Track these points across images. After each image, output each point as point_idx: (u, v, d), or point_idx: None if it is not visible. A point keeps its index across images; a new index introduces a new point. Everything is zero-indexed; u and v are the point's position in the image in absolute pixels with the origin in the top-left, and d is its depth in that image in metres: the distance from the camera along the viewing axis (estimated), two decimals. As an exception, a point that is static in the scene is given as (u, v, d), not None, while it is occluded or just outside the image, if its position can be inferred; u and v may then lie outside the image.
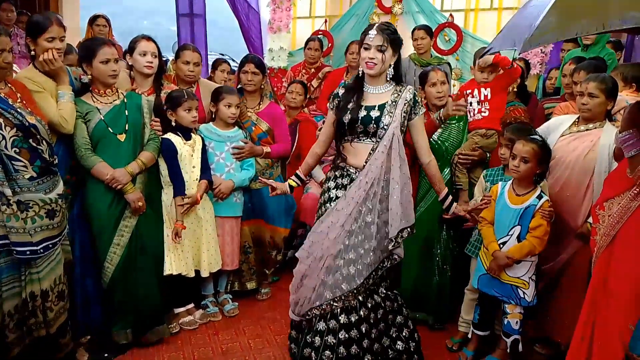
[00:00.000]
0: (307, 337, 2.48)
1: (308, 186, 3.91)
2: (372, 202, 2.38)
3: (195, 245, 3.03)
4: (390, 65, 2.43)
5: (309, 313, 2.45)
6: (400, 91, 2.46)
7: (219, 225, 3.19)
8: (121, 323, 2.75)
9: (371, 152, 2.41)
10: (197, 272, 3.07)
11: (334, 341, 2.41)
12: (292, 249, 4.04)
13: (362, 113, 2.43)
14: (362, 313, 2.41)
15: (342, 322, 2.40)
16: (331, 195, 2.51)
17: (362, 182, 2.39)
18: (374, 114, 2.42)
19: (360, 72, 2.50)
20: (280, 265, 3.70)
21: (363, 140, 2.46)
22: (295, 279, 2.54)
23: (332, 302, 2.40)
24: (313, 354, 2.44)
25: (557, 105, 3.36)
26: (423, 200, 3.11)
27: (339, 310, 2.41)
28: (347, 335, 2.39)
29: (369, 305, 2.43)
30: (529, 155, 2.51)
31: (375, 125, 2.41)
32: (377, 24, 2.42)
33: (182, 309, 3.12)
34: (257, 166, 3.34)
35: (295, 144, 3.87)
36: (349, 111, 2.45)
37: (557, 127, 2.83)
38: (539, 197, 2.55)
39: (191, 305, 3.17)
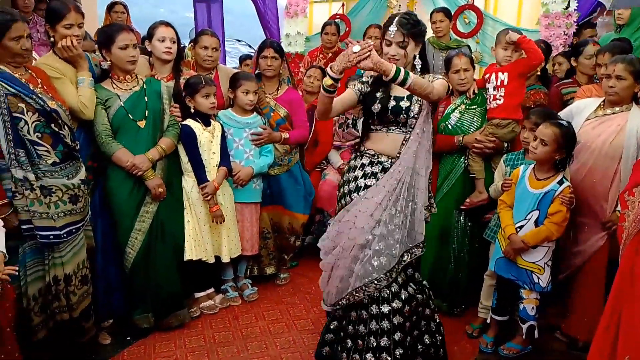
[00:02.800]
0: (340, 325, 2.47)
1: (325, 172, 3.90)
2: (402, 191, 2.34)
3: (216, 232, 3.05)
4: (415, 57, 2.38)
5: (339, 302, 2.41)
6: (428, 80, 2.36)
7: (239, 211, 3.20)
8: (142, 307, 2.79)
9: (404, 142, 2.37)
10: (217, 257, 3.09)
11: (364, 331, 2.37)
12: (310, 235, 4.06)
13: (392, 103, 2.39)
14: (394, 305, 2.35)
15: (373, 312, 2.35)
16: (359, 184, 2.42)
17: (395, 171, 2.35)
18: (404, 104, 2.38)
19: None
20: (298, 251, 3.72)
21: (393, 130, 2.41)
22: (325, 272, 2.48)
23: (362, 291, 2.34)
24: (349, 340, 2.41)
25: (578, 89, 3.27)
26: (440, 189, 3.08)
27: (368, 300, 2.35)
28: (378, 327, 2.35)
29: (403, 297, 2.37)
30: (548, 138, 2.46)
31: (405, 115, 2.37)
32: (396, 19, 2.32)
33: (202, 294, 3.15)
34: (275, 152, 3.33)
35: (312, 129, 3.85)
36: (378, 100, 2.40)
37: (581, 111, 2.76)
38: (560, 182, 2.51)
39: (211, 290, 3.20)
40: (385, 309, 2.33)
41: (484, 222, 3.03)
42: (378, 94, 2.42)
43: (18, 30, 2.19)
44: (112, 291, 2.77)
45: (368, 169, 2.44)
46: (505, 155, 2.95)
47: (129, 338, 2.78)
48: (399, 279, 2.37)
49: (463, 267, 3.08)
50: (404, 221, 2.34)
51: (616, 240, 2.22)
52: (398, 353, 2.32)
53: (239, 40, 9.62)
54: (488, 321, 2.81)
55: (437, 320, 2.53)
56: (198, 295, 3.14)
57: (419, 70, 2.41)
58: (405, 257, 2.36)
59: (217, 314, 3.08)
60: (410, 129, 2.37)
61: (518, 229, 2.56)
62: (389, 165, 2.39)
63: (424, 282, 2.55)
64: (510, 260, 2.59)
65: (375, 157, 2.44)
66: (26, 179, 2.19)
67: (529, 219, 2.54)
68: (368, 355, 2.33)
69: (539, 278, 2.54)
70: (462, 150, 3.04)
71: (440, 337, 2.52)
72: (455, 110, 3.09)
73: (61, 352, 2.46)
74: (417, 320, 2.45)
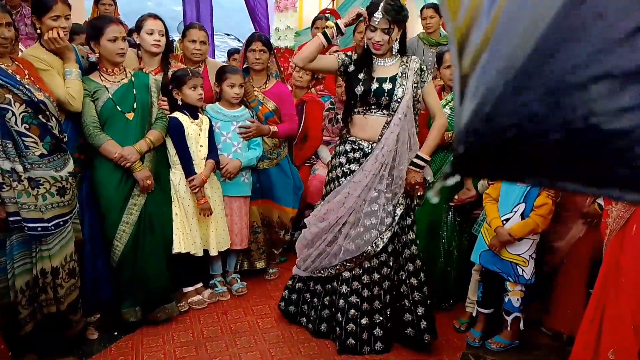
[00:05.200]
0: (315, 298, 2.73)
1: (315, 167, 3.90)
2: (385, 172, 2.50)
3: (204, 225, 3.04)
4: (396, 40, 2.45)
5: (322, 271, 2.63)
6: (407, 62, 2.52)
7: (227, 204, 3.20)
8: (130, 300, 2.77)
9: (385, 125, 2.47)
10: (206, 252, 3.08)
11: (358, 300, 2.56)
12: (299, 230, 4.05)
13: (375, 85, 2.47)
14: (384, 272, 2.59)
15: (365, 281, 2.57)
16: (345, 170, 2.58)
17: (378, 155, 2.48)
18: (386, 86, 2.47)
19: (366, 45, 2.52)
20: (287, 246, 3.71)
21: (374, 112, 2.51)
22: (304, 238, 2.70)
23: (352, 261, 2.57)
24: (338, 315, 2.62)
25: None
26: (430, 184, 3.09)
27: (360, 271, 2.58)
28: (369, 293, 2.57)
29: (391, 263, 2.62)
30: None
31: (387, 98, 2.46)
32: (381, 5, 2.37)
33: (190, 289, 3.14)
34: (264, 146, 3.32)
35: (301, 124, 3.84)
36: (360, 82, 2.47)
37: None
38: None
39: (200, 285, 3.19)
40: (375, 277, 2.60)
41: (473, 217, 3.05)
42: (361, 75, 2.48)
43: None
44: (99, 284, 2.75)
45: (351, 155, 2.59)
46: None
47: (116, 333, 2.76)
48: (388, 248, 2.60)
49: (452, 262, 3.11)
50: (387, 200, 2.53)
51: (599, 238, 2.26)
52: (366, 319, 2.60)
53: (227, 34, 9.54)
54: (474, 314, 2.84)
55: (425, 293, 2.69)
56: (186, 290, 3.13)
57: (396, 52, 2.51)
58: (397, 210, 2.57)
59: (205, 309, 3.07)
60: (392, 112, 2.46)
61: (504, 222, 2.59)
62: (369, 151, 2.53)
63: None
64: (494, 252, 2.62)
65: (357, 143, 2.58)
66: (14, 170, 2.17)
67: (516, 212, 2.57)
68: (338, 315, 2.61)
69: (523, 270, 2.57)
70: (452, 147, 3.06)
71: (424, 309, 2.65)
72: (447, 106, 3.10)
73: (48, 346, 2.44)
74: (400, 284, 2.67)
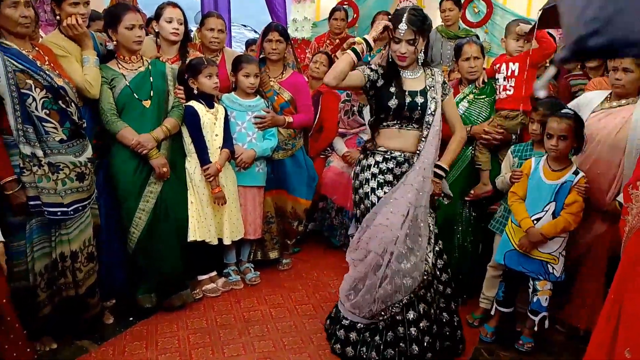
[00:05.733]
0: (374, 339, 2.43)
1: (330, 159, 3.89)
2: (426, 188, 2.39)
3: (218, 214, 3.05)
4: (420, 51, 2.42)
5: (382, 314, 2.38)
6: (432, 75, 2.48)
7: (242, 194, 3.21)
8: (145, 286, 2.81)
9: (423, 139, 2.42)
10: (220, 241, 3.10)
11: (416, 333, 2.39)
12: (313, 222, 4.06)
13: (408, 99, 2.42)
14: (421, 309, 2.39)
15: (410, 318, 2.37)
16: (379, 181, 2.43)
17: (420, 168, 2.39)
18: (419, 99, 2.43)
19: (390, 57, 2.46)
20: (301, 237, 3.72)
21: (406, 126, 2.46)
22: (348, 282, 2.48)
23: (405, 299, 2.36)
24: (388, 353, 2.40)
25: (588, 82, 3.25)
26: (446, 177, 3.07)
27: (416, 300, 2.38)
28: (427, 324, 2.41)
29: (429, 299, 2.44)
30: (566, 132, 2.45)
31: (421, 111, 2.41)
32: (405, 16, 2.32)
33: (205, 277, 3.17)
34: (279, 137, 3.32)
35: (317, 116, 3.84)
36: (394, 96, 2.41)
37: (588, 103, 2.75)
38: (575, 172, 2.50)
39: (214, 273, 3.22)
40: (411, 315, 2.38)
41: (489, 212, 3.02)
42: (392, 89, 2.42)
43: None
44: (115, 270, 2.79)
45: (383, 166, 2.46)
46: (512, 146, 2.93)
47: (131, 318, 2.80)
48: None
49: (466, 258, 3.08)
50: (425, 217, 2.40)
51: (618, 234, 2.22)
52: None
53: (244, 26, 9.54)
54: (492, 312, 2.81)
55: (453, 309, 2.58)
56: (201, 278, 3.15)
57: (421, 63, 2.46)
58: (431, 224, 2.46)
59: (219, 297, 3.10)
60: (428, 126, 2.41)
61: (534, 221, 2.53)
62: (403, 160, 2.44)
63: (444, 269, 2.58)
64: (521, 252, 2.58)
65: (388, 153, 2.47)
66: (34, 155, 2.20)
67: (547, 211, 2.52)
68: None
69: (553, 268, 2.53)
70: (469, 141, 3.02)
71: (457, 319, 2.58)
72: (464, 100, 3.07)
73: (65, 329, 2.49)
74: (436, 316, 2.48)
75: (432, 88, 2.45)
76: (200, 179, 2.94)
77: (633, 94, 2.57)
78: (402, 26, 2.31)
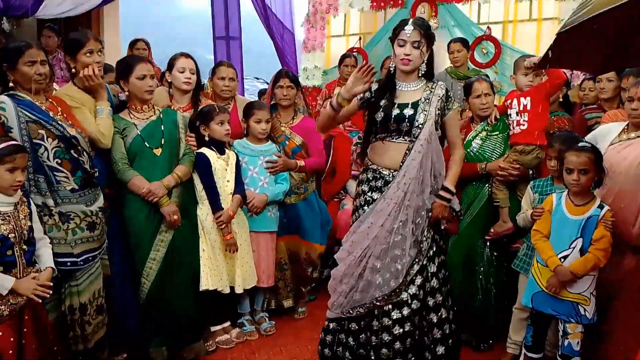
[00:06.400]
0: (350, 337, 2.51)
1: (344, 202, 3.85)
2: (409, 202, 2.39)
3: (230, 261, 2.99)
4: (423, 62, 2.42)
5: (351, 311, 2.46)
6: (432, 88, 2.46)
7: (254, 240, 3.15)
8: (157, 340, 2.72)
9: (407, 152, 2.40)
10: (232, 289, 3.02)
11: (389, 338, 2.40)
12: (329, 268, 3.96)
13: (395, 111, 2.42)
14: (414, 306, 2.42)
15: (394, 317, 2.41)
16: (367, 198, 2.49)
17: (400, 183, 2.38)
18: (408, 112, 2.41)
19: (392, 69, 2.49)
20: (316, 284, 3.62)
21: (395, 139, 2.44)
22: (334, 279, 2.53)
23: (382, 299, 2.40)
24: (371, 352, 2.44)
25: (603, 115, 3.21)
26: (463, 217, 2.98)
27: (390, 306, 2.41)
28: (401, 331, 2.41)
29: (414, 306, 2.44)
30: (586, 165, 2.37)
31: (408, 124, 2.40)
32: (411, 20, 2.39)
33: (218, 327, 3.07)
34: (291, 181, 3.30)
35: (329, 159, 3.82)
36: (381, 108, 2.42)
37: (605, 135, 2.69)
38: (600, 206, 2.40)
39: (227, 324, 3.12)
40: (405, 312, 2.41)
41: (512, 251, 2.91)
42: (382, 102, 2.45)
43: (31, 55, 2.24)
44: (127, 322, 2.71)
45: (373, 183, 2.51)
46: (532, 182, 2.85)
47: (143, 372, 2.70)
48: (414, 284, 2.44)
49: (490, 300, 2.95)
50: (412, 229, 2.40)
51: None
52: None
53: (257, 78, 9.79)
54: (521, 358, 2.64)
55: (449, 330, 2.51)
56: (214, 328, 3.06)
57: (422, 75, 2.46)
58: (424, 243, 2.45)
59: (233, 349, 2.99)
60: (414, 139, 2.39)
61: (561, 259, 2.41)
62: (390, 179, 2.44)
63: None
64: (549, 294, 2.44)
65: (377, 172, 2.49)
66: (45, 204, 2.21)
67: (574, 248, 2.40)
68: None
69: (585, 309, 2.39)
70: (485, 178, 2.96)
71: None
72: (477, 137, 3.03)
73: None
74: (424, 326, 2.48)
75: (427, 100, 2.42)
76: (212, 226, 2.90)
77: (651, 124, 2.51)
78: (409, 27, 2.35)
